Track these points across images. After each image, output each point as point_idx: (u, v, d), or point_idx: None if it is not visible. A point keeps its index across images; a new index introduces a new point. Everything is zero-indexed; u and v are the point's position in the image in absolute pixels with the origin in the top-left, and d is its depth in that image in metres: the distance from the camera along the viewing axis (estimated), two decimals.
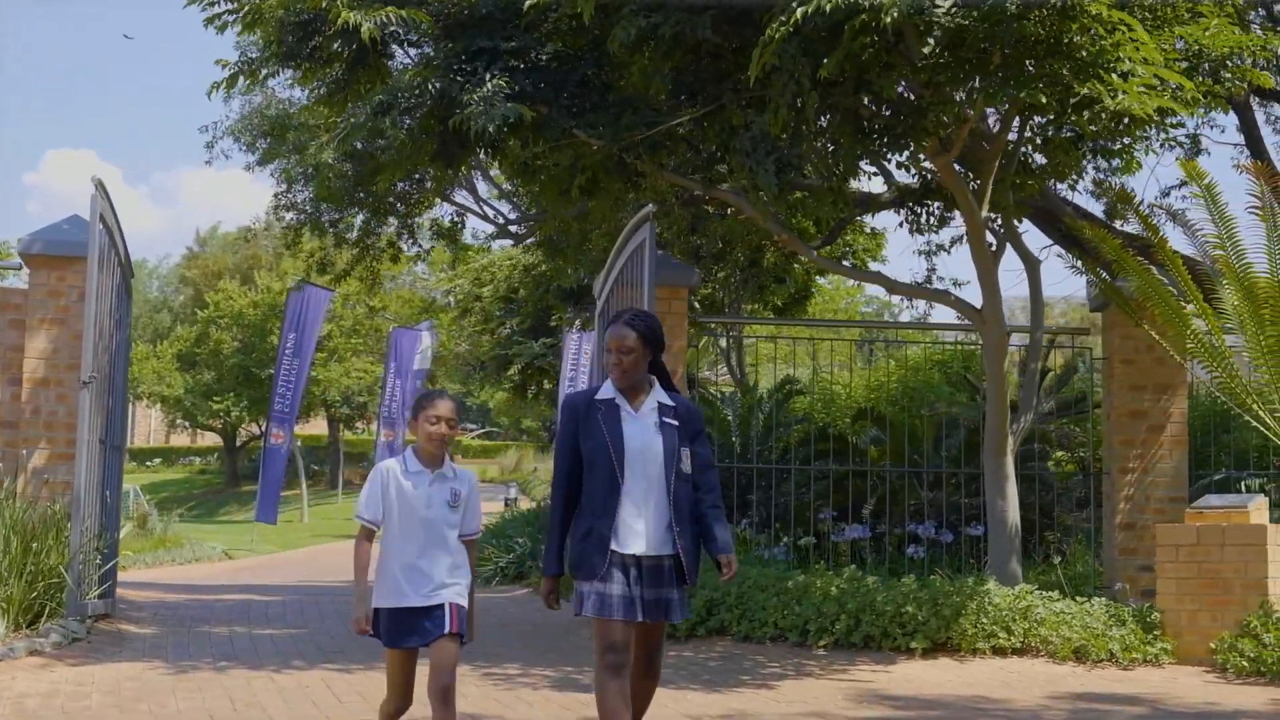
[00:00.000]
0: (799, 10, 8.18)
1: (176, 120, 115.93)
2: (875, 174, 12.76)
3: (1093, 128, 10.13)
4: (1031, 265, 11.56)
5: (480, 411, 66.55)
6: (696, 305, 18.31)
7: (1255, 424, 10.60)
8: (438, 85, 10.21)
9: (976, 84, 9.40)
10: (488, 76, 9.96)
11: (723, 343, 22.33)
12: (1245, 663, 9.20)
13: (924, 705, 8.16)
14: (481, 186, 23.75)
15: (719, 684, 8.71)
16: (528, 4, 9.61)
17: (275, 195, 22.38)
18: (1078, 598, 10.37)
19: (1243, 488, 12.59)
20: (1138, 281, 10.60)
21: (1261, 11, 13.48)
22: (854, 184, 12.81)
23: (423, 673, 5.61)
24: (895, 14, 8.22)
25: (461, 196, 22.86)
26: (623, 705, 5.25)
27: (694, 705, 7.93)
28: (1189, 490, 11.84)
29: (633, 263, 10.96)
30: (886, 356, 17.27)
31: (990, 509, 11.02)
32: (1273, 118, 16.33)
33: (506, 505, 32.00)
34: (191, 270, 65.36)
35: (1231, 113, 14.15)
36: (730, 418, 14.63)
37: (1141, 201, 11.27)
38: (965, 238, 11.43)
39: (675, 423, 5.53)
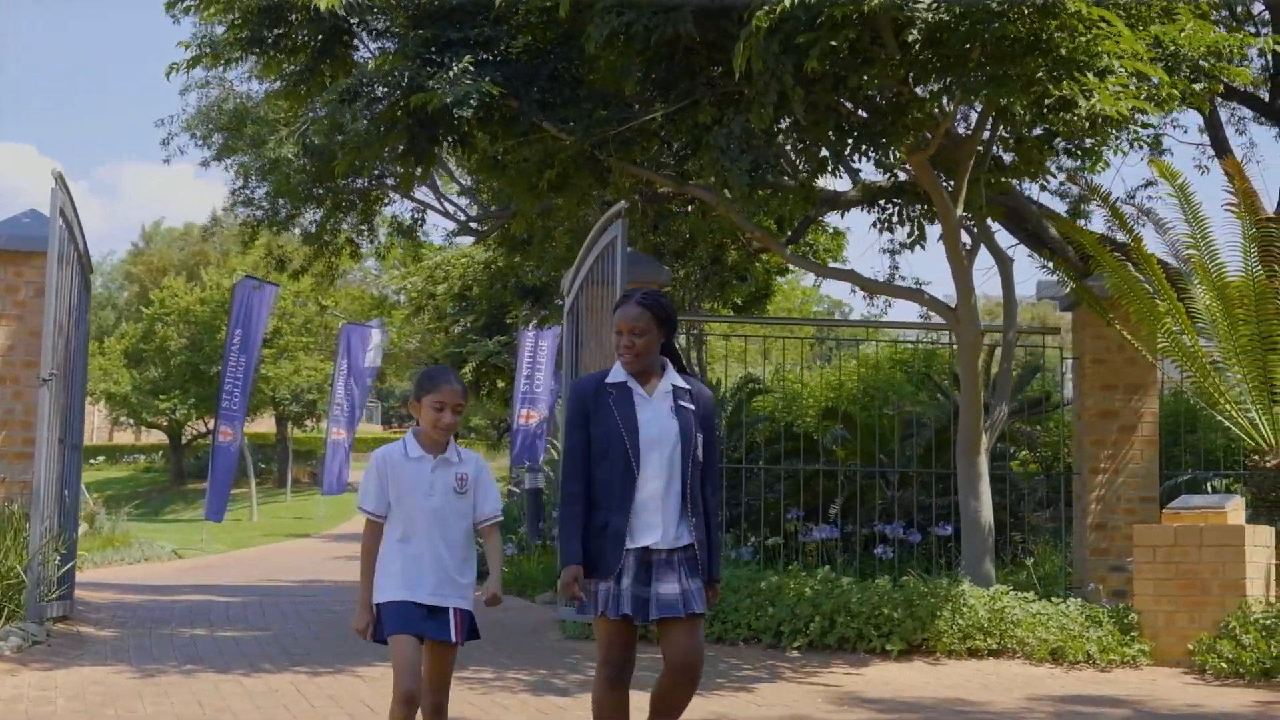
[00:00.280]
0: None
1: (118, 114, 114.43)
2: (842, 174, 12.67)
3: (1065, 127, 10.09)
4: (1005, 264, 11.49)
5: None
6: None
7: (1229, 424, 10.59)
8: (406, 75, 10.05)
9: (951, 82, 9.33)
10: (455, 66, 9.81)
11: (682, 340, 22.19)
12: (1224, 664, 9.17)
13: (905, 708, 8.06)
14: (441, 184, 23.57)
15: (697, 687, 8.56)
16: None
17: (232, 192, 22.09)
18: (1052, 598, 10.31)
19: (1209, 488, 12.60)
20: (1114, 278, 10.56)
21: (1225, 12, 13.48)
22: (820, 182, 12.70)
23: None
24: (876, 1, 8.14)
25: (422, 193, 22.65)
26: None
27: None
28: (1159, 491, 11.82)
29: (604, 260, 10.81)
30: (845, 357, 17.20)
31: (963, 509, 10.93)
32: (1236, 118, 16.37)
33: None
34: (137, 266, 64.56)
35: (1194, 112, 14.15)
36: None
37: (1114, 198, 11.24)
38: (938, 238, 11.30)
39: (691, 406, 5.17)
